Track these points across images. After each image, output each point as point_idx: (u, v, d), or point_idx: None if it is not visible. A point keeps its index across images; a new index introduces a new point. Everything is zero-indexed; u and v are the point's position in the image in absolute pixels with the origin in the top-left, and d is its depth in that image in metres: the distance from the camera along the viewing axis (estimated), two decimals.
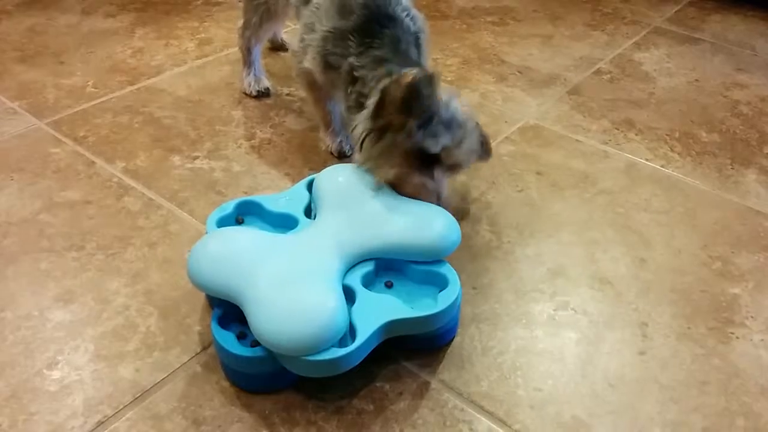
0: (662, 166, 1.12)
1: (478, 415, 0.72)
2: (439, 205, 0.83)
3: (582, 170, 1.10)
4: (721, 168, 1.12)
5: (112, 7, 1.60)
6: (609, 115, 1.25)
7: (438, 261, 0.78)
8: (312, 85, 1.04)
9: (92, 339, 0.79)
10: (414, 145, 0.82)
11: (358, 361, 0.69)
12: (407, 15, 0.95)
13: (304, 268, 0.72)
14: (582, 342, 0.81)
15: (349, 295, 0.74)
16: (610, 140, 1.18)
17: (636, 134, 1.20)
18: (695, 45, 1.52)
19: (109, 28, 1.51)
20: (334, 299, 0.69)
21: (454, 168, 0.87)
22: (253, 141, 1.14)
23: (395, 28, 0.92)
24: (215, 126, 1.18)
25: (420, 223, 0.79)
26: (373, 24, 0.91)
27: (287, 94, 1.28)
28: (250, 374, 0.72)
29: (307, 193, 0.87)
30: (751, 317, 0.85)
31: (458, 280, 0.76)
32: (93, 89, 1.28)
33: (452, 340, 0.80)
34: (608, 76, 1.39)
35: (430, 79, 0.80)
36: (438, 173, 0.84)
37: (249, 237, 0.76)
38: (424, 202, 0.83)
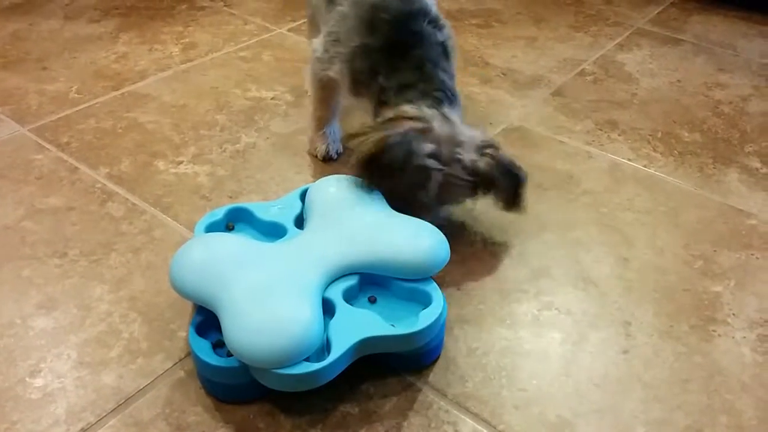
0: (645, 166, 1.13)
1: (463, 417, 0.72)
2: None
3: (566, 171, 1.11)
4: (702, 167, 1.13)
5: (96, 13, 1.60)
6: (592, 116, 1.26)
7: (424, 279, 0.76)
8: (325, 86, 1.04)
9: (75, 346, 0.78)
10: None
11: (331, 377, 0.68)
12: (434, 26, 0.95)
13: (283, 278, 0.71)
14: (566, 342, 0.81)
15: (329, 308, 0.72)
16: (593, 141, 1.19)
17: (619, 135, 1.21)
18: (677, 46, 1.54)
19: (92, 34, 1.50)
20: (309, 312, 0.67)
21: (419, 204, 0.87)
22: (237, 145, 1.14)
23: (422, 47, 0.92)
24: (199, 130, 1.18)
25: (408, 240, 0.77)
26: (400, 43, 0.92)
27: (272, 98, 1.28)
28: (224, 384, 0.71)
29: (299, 203, 0.86)
30: (733, 315, 0.85)
31: (442, 300, 0.74)
32: (76, 95, 1.27)
33: (437, 358, 0.78)
34: (592, 77, 1.40)
35: (399, 146, 0.82)
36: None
37: (232, 244, 0.75)
38: (415, 219, 0.81)
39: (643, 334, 0.82)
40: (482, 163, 0.87)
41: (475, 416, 0.72)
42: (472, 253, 0.94)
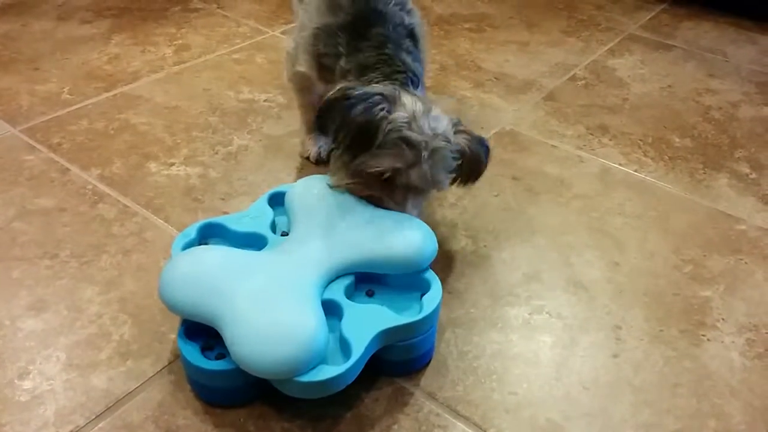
0: (636, 171, 1.13)
1: (454, 420, 0.72)
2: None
3: (557, 175, 1.12)
4: (693, 172, 1.14)
5: (88, 14, 1.59)
6: (584, 121, 1.27)
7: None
8: (303, 89, 1.04)
9: (65, 348, 0.78)
10: (358, 166, 0.79)
11: (356, 376, 0.68)
12: (401, 8, 0.91)
13: (281, 286, 0.70)
14: (556, 345, 0.81)
15: (335, 309, 0.72)
16: (584, 145, 1.20)
17: (610, 139, 1.22)
18: (668, 51, 1.55)
19: (85, 35, 1.49)
20: (313, 318, 0.67)
21: (412, 189, 0.81)
22: (230, 147, 1.14)
23: (384, 26, 0.88)
24: (192, 132, 1.18)
25: (396, 237, 0.77)
26: (362, 22, 0.88)
27: (265, 100, 1.28)
28: (214, 388, 0.71)
29: (270, 209, 0.84)
30: (722, 319, 0.86)
31: (439, 282, 0.76)
32: (68, 96, 1.27)
33: (428, 363, 0.79)
34: (583, 82, 1.41)
35: (340, 99, 0.78)
36: (397, 193, 0.81)
37: (222, 255, 0.74)
38: (401, 214, 0.80)
39: (633, 338, 0.83)
40: (461, 140, 0.83)
41: (466, 419, 0.72)
42: (464, 257, 0.94)
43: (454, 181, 0.86)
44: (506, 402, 0.74)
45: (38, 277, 0.87)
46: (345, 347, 0.69)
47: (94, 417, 0.71)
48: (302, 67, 0.97)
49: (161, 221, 0.97)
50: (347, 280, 0.75)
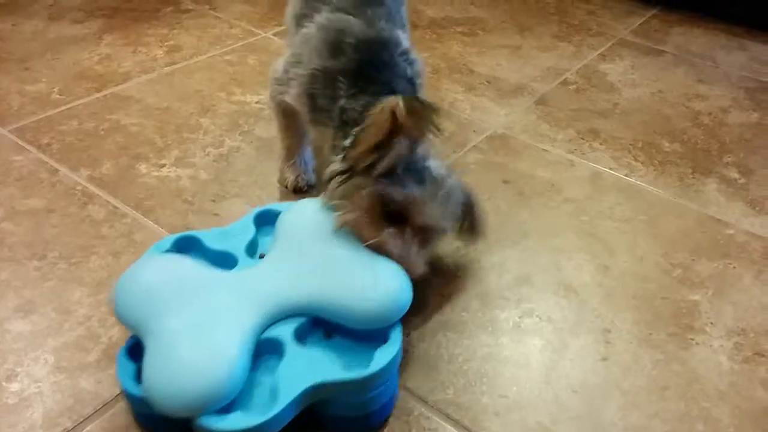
0: (626, 175, 1.14)
1: (444, 423, 0.72)
2: (401, 267, 0.73)
3: (548, 179, 1.12)
4: (682, 177, 1.15)
5: (80, 14, 1.58)
6: (575, 125, 1.27)
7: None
8: (285, 112, 0.98)
9: (53, 350, 0.77)
10: (377, 191, 0.74)
11: (278, 429, 0.62)
12: (405, 59, 0.89)
13: (215, 316, 0.65)
14: (546, 349, 0.82)
15: (278, 349, 0.67)
16: (575, 149, 1.20)
17: (601, 144, 1.22)
18: (659, 57, 1.56)
19: (76, 35, 1.49)
20: (229, 356, 0.61)
21: (425, 231, 0.77)
22: (221, 149, 1.14)
23: (391, 75, 0.85)
24: (183, 134, 1.17)
25: (363, 284, 0.69)
26: (367, 68, 0.85)
27: (256, 102, 1.27)
28: (146, 415, 0.66)
29: (253, 228, 0.80)
30: (711, 323, 0.87)
31: (400, 338, 0.68)
32: (58, 96, 1.26)
33: (387, 419, 0.72)
34: (574, 86, 1.41)
35: (421, 105, 0.71)
36: (405, 232, 0.75)
37: (180, 269, 0.70)
38: (379, 257, 0.73)
39: (622, 342, 0.83)
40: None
41: (456, 422, 0.72)
42: (454, 260, 0.94)
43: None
44: (496, 405, 0.74)
45: (26, 278, 0.87)
46: (275, 394, 0.63)
47: (82, 420, 0.70)
48: (291, 100, 0.93)
49: (151, 223, 0.97)
50: (302, 319, 0.69)
